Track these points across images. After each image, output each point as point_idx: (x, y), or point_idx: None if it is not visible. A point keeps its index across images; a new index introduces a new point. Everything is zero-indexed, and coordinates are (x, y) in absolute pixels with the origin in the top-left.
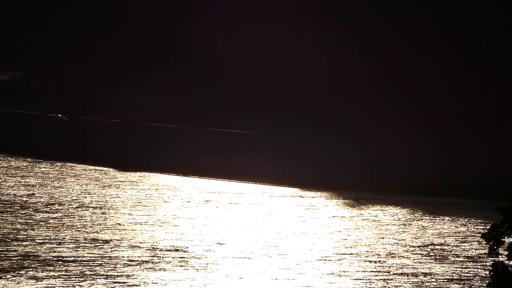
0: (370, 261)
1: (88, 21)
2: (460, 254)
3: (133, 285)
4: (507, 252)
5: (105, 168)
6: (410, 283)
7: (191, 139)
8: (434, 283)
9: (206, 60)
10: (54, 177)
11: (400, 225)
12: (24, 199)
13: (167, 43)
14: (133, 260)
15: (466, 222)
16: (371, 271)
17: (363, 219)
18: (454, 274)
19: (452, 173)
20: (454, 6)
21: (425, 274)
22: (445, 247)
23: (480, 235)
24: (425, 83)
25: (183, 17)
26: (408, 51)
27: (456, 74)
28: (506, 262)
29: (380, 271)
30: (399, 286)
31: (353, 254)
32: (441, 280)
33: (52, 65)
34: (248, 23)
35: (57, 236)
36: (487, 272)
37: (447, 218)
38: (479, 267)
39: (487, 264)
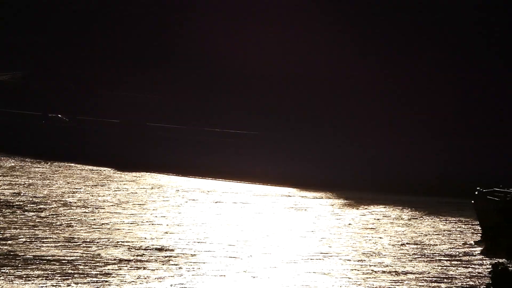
0: (352, 260)
1: (88, 21)
2: (447, 253)
3: (114, 283)
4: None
5: (101, 168)
6: (391, 282)
7: (191, 139)
8: (416, 282)
9: (206, 60)
10: (46, 176)
11: (389, 224)
12: (10, 198)
13: (167, 43)
14: (116, 259)
15: (459, 221)
16: (353, 270)
17: (352, 219)
18: (438, 273)
19: (452, 173)
20: (454, 6)
21: (408, 273)
22: (432, 246)
23: (468, 234)
24: (425, 83)
25: (183, 17)
26: (408, 51)
27: (456, 74)
28: (506, 262)
29: (361, 270)
30: (380, 284)
31: (335, 253)
32: (423, 279)
33: (52, 65)
34: (248, 23)
35: (41, 235)
36: (472, 271)
37: (440, 218)
38: (465, 266)
39: (475, 263)
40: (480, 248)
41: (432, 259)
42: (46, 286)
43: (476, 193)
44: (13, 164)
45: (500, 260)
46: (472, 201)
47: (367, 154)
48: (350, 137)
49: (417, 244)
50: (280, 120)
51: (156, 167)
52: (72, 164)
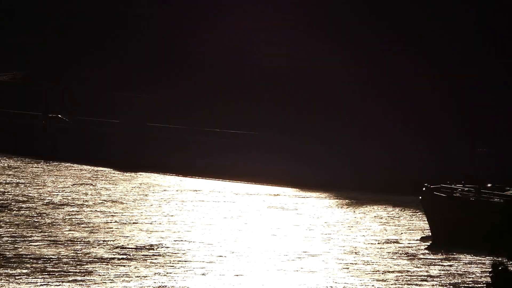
0: (335, 258)
1: (88, 21)
2: (433, 253)
3: (95, 281)
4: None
5: (98, 168)
6: (373, 280)
7: (191, 139)
8: (401, 280)
9: (206, 60)
10: (37, 176)
11: (375, 223)
12: None
13: (167, 44)
14: (99, 258)
15: None
16: (336, 268)
17: (340, 218)
18: (420, 271)
19: (452, 173)
20: (454, 5)
21: (392, 271)
22: (419, 245)
23: None
24: (426, 83)
25: (183, 18)
26: (408, 52)
27: (456, 74)
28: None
29: (345, 269)
30: (364, 282)
31: (318, 251)
32: (407, 277)
33: (52, 65)
34: (249, 24)
35: (25, 234)
36: (454, 270)
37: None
38: (446, 264)
39: (456, 261)
40: (428, 244)
41: (413, 257)
42: (28, 284)
43: (424, 189)
44: (9, 164)
45: (501, 260)
46: (420, 197)
47: (367, 154)
48: (351, 137)
49: (407, 243)
50: (280, 120)
51: (154, 167)
52: (69, 164)
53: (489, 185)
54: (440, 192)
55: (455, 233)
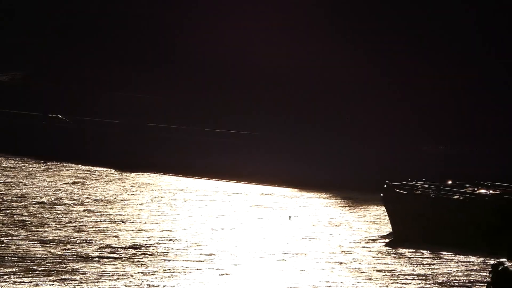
0: (322, 258)
1: (88, 21)
2: (424, 252)
3: (78, 280)
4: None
5: (96, 168)
6: (362, 279)
7: (190, 139)
8: (387, 279)
9: (206, 60)
10: (31, 176)
11: (364, 222)
12: None
13: (167, 43)
14: (85, 256)
15: None
16: (322, 267)
17: (330, 217)
18: (410, 270)
19: (452, 173)
20: (454, 6)
21: (379, 270)
22: (409, 244)
23: None
24: (426, 83)
25: (183, 17)
26: (408, 51)
27: (456, 74)
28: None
29: (332, 268)
30: (351, 282)
31: (306, 250)
32: (395, 276)
33: (52, 65)
34: (249, 23)
35: (12, 233)
36: (443, 269)
37: None
38: (434, 263)
39: (445, 260)
40: (387, 240)
41: (402, 256)
42: (16, 284)
43: (385, 186)
44: (7, 165)
45: (501, 260)
46: (382, 194)
47: (367, 154)
48: (351, 137)
49: (397, 242)
50: (280, 120)
51: (154, 167)
52: (68, 164)
53: (449, 182)
54: (401, 189)
55: (418, 230)
